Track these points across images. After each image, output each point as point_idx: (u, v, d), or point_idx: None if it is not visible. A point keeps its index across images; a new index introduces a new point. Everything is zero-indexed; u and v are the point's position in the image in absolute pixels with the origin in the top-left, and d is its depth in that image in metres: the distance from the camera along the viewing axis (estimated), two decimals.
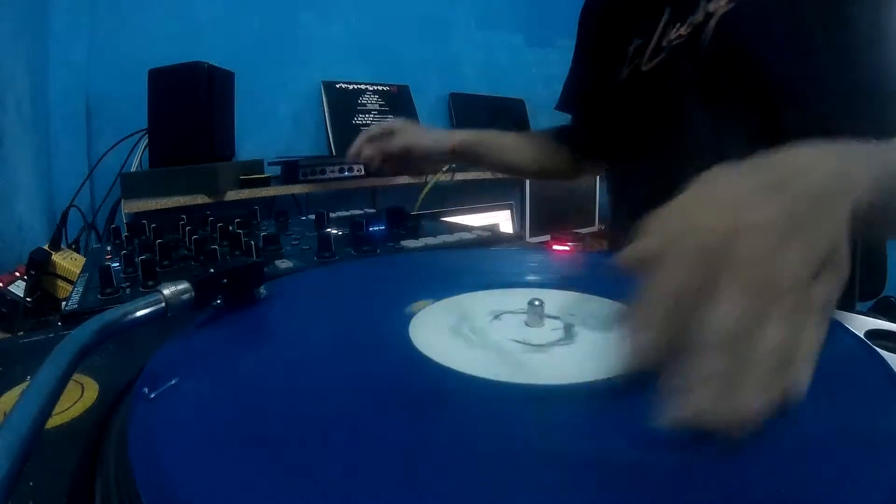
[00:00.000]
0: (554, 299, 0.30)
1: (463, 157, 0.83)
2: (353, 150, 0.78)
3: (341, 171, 1.35)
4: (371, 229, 0.58)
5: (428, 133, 0.80)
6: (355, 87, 1.66)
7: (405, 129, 0.79)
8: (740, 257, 0.20)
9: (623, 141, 0.73)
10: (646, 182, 0.68)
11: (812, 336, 0.20)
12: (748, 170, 0.24)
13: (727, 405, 0.17)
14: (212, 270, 0.29)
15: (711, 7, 0.58)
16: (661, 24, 0.62)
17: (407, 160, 0.78)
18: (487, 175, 1.63)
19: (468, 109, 1.87)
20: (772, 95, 0.55)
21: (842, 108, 0.53)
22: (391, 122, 0.80)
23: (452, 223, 0.68)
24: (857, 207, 0.24)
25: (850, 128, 0.54)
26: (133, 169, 1.26)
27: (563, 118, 0.88)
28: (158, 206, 1.05)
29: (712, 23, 0.57)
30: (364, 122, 1.65)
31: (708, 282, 0.19)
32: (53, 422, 0.21)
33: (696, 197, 0.23)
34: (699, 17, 0.59)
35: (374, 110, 1.68)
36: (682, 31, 0.60)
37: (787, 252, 0.20)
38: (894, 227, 0.41)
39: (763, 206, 0.21)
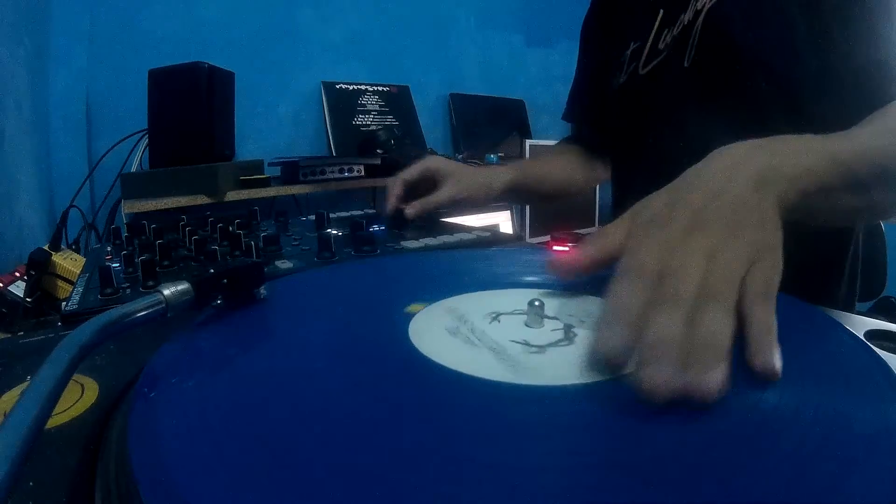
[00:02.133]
0: (552, 300, 0.30)
1: (508, 198, 0.76)
2: (392, 201, 0.68)
3: (341, 171, 1.35)
4: (371, 229, 0.58)
5: (471, 175, 0.71)
6: (355, 87, 1.66)
7: (445, 171, 0.69)
8: (663, 292, 0.23)
9: (625, 144, 0.73)
10: (647, 183, 0.68)
11: (765, 315, 0.22)
12: (671, 204, 0.28)
13: (679, 380, 0.19)
14: (212, 270, 0.29)
15: (699, 5, 0.58)
16: (656, 27, 0.63)
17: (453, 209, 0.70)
18: None
19: (468, 109, 1.87)
20: (757, 85, 0.56)
21: (823, 93, 0.53)
22: (424, 164, 0.71)
23: (452, 223, 0.68)
24: (786, 199, 0.28)
25: (832, 112, 0.54)
26: (133, 169, 1.26)
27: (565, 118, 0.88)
28: (158, 207, 1.06)
29: (700, 19, 0.58)
30: (364, 122, 1.65)
31: (654, 296, 0.23)
32: (53, 422, 0.21)
33: (636, 247, 0.27)
34: (689, 16, 0.59)
35: (374, 110, 1.68)
36: (675, 31, 0.61)
37: (713, 270, 0.23)
38: (851, 214, 0.43)
39: (680, 253, 0.25)
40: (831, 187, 0.32)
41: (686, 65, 0.60)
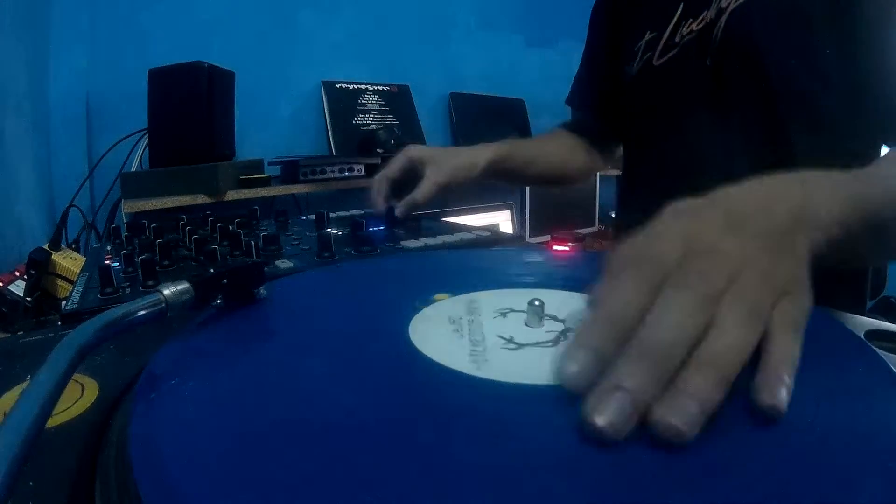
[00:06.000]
0: (574, 303, 0.30)
1: (494, 177, 0.73)
2: (379, 202, 0.67)
3: (341, 171, 1.35)
4: (371, 229, 0.58)
5: (451, 159, 0.69)
6: (355, 87, 1.66)
7: (424, 159, 0.68)
8: (685, 270, 0.20)
9: (632, 135, 0.73)
10: (656, 175, 0.68)
11: (791, 346, 0.19)
12: (704, 206, 0.25)
13: (651, 411, 0.16)
14: (212, 270, 0.29)
15: (724, 3, 0.58)
16: (675, 19, 0.62)
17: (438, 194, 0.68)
18: None
19: (468, 109, 1.87)
20: (777, 91, 0.55)
21: (845, 106, 0.53)
22: (405, 156, 0.69)
23: (452, 223, 0.68)
24: (817, 242, 0.26)
25: (852, 126, 0.54)
26: (133, 169, 1.26)
27: (565, 114, 0.87)
28: (158, 206, 1.06)
29: (723, 18, 0.57)
30: (364, 121, 1.65)
31: (654, 297, 0.19)
32: (53, 422, 0.21)
33: (658, 230, 0.24)
34: (712, 12, 0.59)
35: (374, 110, 1.68)
36: (694, 26, 0.60)
37: (742, 271, 0.20)
38: (869, 257, 0.41)
39: (713, 238, 0.22)
40: (857, 235, 0.30)
41: (705, 63, 0.59)
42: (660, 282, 0.20)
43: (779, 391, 0.18)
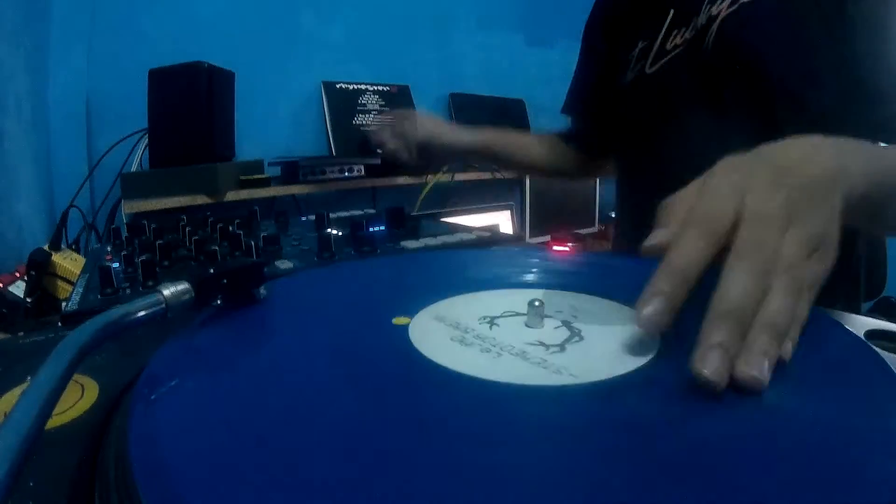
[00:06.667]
0: (569, 302, 0.30)
1: (481, 156, 0.86)
2: (377, 134, 0.84)
3: (341, 171, 1.35)
4: (371, 229, 0.58)
5: (448, 127, 0.83)
6: (355, 87, 1.66)
7: (427, 120, 0.82)
8: (745, 239, 0.23)
9: (628, 143, 0.73)
10: (650, 184, 0.68)
11: (805, 309, 0.23)
12: (752, 161, 0.27)
13: (735, 368, 0.19)
14: (212, 270, 0.29)
15: (714, 10, 0.58)
16: (665, 27, 0.63)
17: (424, 150, 0.80)
18: (487, 175, 1.63)
19: (468, 110, 1.87)
20: (772, 98, 0.55)
21: (841, 111, 0.53)
22: (414, 111, 0.84)
23: (452, 223, 0.68)
24: (849, 198, 0.28)
25: (847, 129, 0.54)
26: (133, 169, 1.26)
27: (565, 119, 0.88)
28: (158, 207, 1.06)
29: (714, 26, 0.57)
30: (364, 122, 1.65)
31: (716, 257, 0.23)
32: (53, 422, 0.21)
33: (706, 185, 0.26)
34: (702, 20, 0.59)
35: (374, 110, 1.68)
36: (687, 34, 0.60)
37: (785, 236, 0.23)
38: (886, 222, 0.42)
39: (764, 197, 0.24)
40: (881, 201, 0.32)
41: (697, 71, 0.59)
42: (717, 238, 0.23)
43: (787, 348, 0.21)
